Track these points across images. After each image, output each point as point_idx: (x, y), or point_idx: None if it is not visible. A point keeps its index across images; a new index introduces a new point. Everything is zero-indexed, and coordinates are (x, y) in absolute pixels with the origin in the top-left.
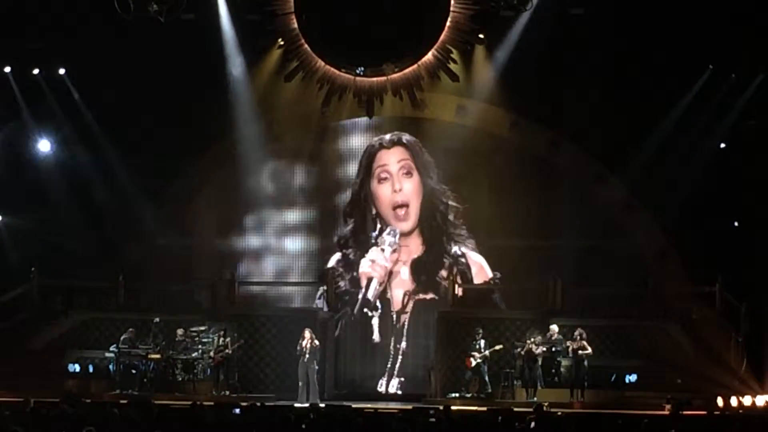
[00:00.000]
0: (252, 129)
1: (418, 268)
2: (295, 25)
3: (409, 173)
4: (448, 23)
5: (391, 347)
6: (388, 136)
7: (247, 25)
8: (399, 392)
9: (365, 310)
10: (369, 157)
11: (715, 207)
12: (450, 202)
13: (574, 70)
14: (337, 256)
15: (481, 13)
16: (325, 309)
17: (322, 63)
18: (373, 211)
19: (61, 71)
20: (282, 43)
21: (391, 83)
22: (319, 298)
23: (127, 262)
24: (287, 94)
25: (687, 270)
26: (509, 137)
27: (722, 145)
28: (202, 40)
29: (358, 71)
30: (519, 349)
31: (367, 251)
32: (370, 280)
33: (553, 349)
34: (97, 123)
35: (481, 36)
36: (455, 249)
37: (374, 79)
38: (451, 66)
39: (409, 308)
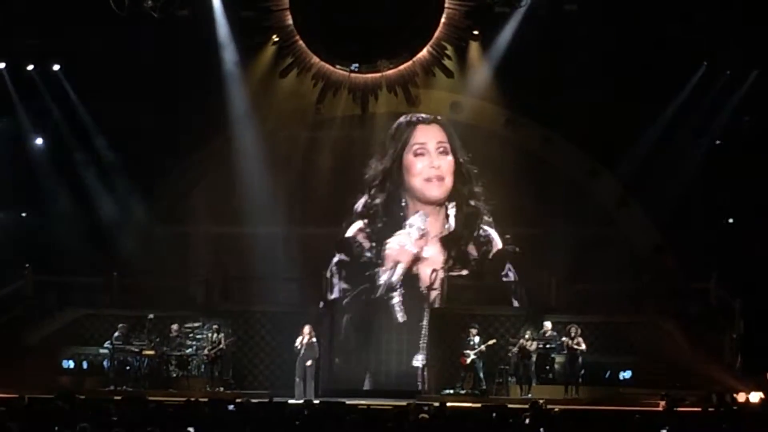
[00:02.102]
0: (247, 125)
1: (449, 243)
2: (290, 22)
3: (445, 152)
4: (442, 19)
5: (423, 324)
6: (426, 115)
7: (241, 21)
8: (421, 366)
9: (389, 292)
10: (405, 132)
11: (709, 203)
12: (478, 189)
13: (568, 67)
14: (359, 224)
15: (475, 9)
16: (341, 285)
17: (317, 59)
18: (404, 184)
19: (56, 67)
20: (277, 39)
21: (385, 80)
22: (336, 266)
23: (121, 259)
24: (282, 90)
25: (682, 266)
26: (503, 133)
27: (717, 142)
28: (196, 36)
29: (352, 68)
30: (513, 346)
31: (395, 223)
32: (396, 263)
33: (548, 345)
34: (92, 119)
35: (475, 32)
36: (478, 233)
37: (369, 75)
38: (446, 62)
39: (437, 284)
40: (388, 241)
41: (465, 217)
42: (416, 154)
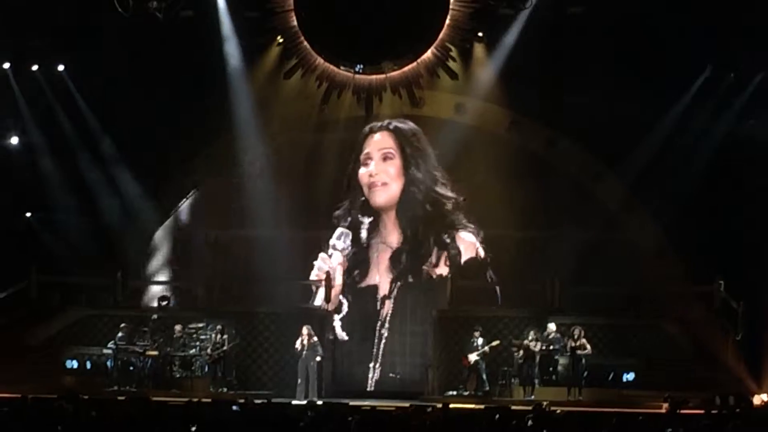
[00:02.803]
0: (251, 126)
1: (396, 258)
2: (294, 23)
3: (389, 158)
4: (447, 21)
5: (376, 333)
6: (381, 122)
7: (246, 22)
8: (379, 378)
9: (331, 311)
10: (359, 143)
11: (713, 207)
12: (446, 192)
13: (572, 69)
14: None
15: (480, 11)
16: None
17: (322, 60)
18: (361, 195)
19: (60, 68)
20: (281, 40)
21: (390, 81)
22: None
23: (125, 259)
24: (286, 91)
25: (685, 269)
26: (508, 135)
27: (721, 145)
28: (201, 37)
29: (357, 69)
30: (517, 348)
31: (355, 236)
32: (317, 289)
33: (551, 347)
34: (96, 119)
35: (480, 34)
36: (444, 237)
37: (373, 76)
38: (450, 64)
39: (393, 294)
40: (314, 263)
41: (409, 229)
42: (363, 164)
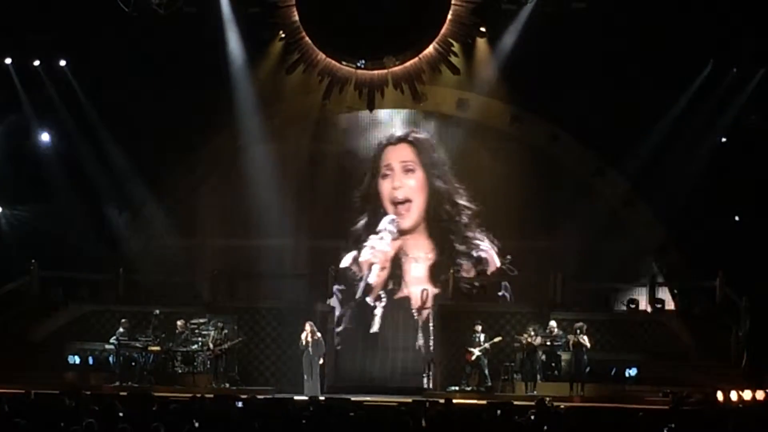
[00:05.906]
0: (253, 122)
1: (436, 270)
2: (296, 18)
3: (411, 171)
4: (449, 16)
5: (421, 344)
6: (399, 132)
7: (248, 17)
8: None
9: (367, 298)
10: (377, 155)
11: (715, 202)
12: (462, 202)
13: (575, 64)
14: (353, 254)
15: (482, 6)
16: (339, 309)
17: (323, 56)
18: (381, 207)
19: (62, 62)
20: (283, 35)
21: (392, 76)
22: (333, 296)
23: (127, 255)
24: (288, 86)
25: (687, 264)
26: (510, 131)
27: (723, 140)
28: (203, 33)
29: (359, 64)
30: (519, 343)
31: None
32: (371, 266)
33: (554, 342)
34: (98, 114)
35: (482, 29)
36: (470, 248)
37: (375, 72)
38: (452, 59)
39: (429, 303)
40: (362, 251)
41: (439, 240)
42: (383, 177)
